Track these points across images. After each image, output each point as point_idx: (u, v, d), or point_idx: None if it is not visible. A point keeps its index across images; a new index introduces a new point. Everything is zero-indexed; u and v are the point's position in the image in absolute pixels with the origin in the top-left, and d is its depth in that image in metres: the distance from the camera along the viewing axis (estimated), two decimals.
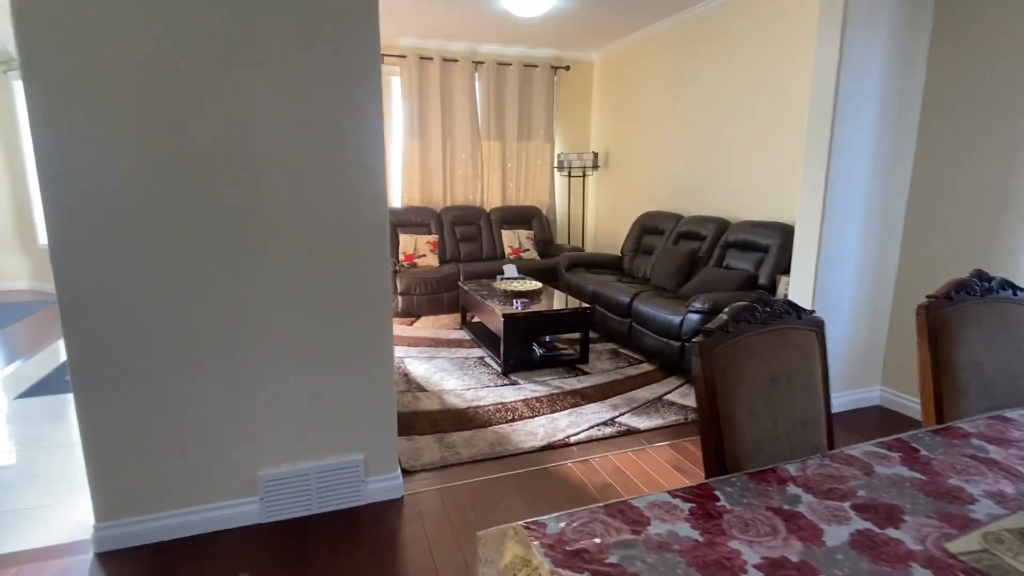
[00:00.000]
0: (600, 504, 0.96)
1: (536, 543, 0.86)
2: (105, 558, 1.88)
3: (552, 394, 3.32)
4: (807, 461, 1.10)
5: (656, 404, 3.18)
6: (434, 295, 5.14)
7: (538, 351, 3.90)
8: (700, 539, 0.88)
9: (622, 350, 4.15)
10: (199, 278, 1.86)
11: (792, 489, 1.01)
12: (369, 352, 2.12)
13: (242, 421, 1.99)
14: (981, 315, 1.49)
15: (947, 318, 1.45)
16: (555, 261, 5.46)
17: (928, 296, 1.47)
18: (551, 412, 3.07)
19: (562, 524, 0.91)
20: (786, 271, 3.40)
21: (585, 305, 3.84)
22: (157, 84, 1.72)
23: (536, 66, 5.97)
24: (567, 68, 6.14)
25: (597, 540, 0.87)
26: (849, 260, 2.88)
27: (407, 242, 5.39)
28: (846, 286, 2.91)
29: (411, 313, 5.10)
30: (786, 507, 0.96)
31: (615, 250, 5.70)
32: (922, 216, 2.88)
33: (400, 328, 4.71)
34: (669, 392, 3.35)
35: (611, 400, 3.24)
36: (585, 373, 3.67)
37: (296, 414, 2.05)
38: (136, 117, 1.72)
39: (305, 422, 2.07)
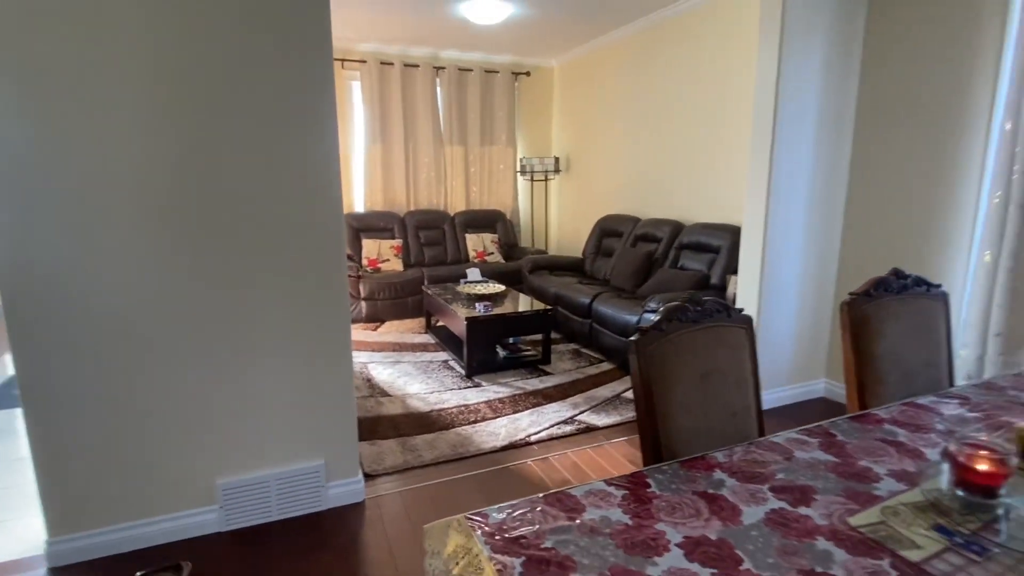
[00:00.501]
0: (540, 494, 1.03)
1: (478, 532, 0.92)
2: (59, 573, 1.85)
3: (514, 395, 3.38)
4: (734, 449, 1.19)
5: (615, 402, 3.28)
6: (398, 300, 5.14)
7: (501, 353, 3.96)
8: (630, 522, 0.95)
9: (583, 350, 4.24)
10: (151, 285, 1.85)
11: (718, 475, 1.10)
12: (328, 357, 2.13)
13: (199, 429, 1.98)
14: (898, 310, 1.61)
15: (867, 313, 1.57)
16: (519, 264, 5.54)
17: (850, 293, 1.59)
18: (513, 412, 3.13)
19: (503, 514, 0.97)
20: (736, 271, 3.55)
21: (547, 307, 3.91)
22: (109, 85, 1.71)
23: (497, 72, 6.05)
24: (528, 74, 6.24)
25: (535, 527, 0.93)
26: (792, 260, 3.04)
27: (370, 247, 5.38)
28: (790, 285, 3.07)
29: (375, 318, 5.09)
30: (711, 491, 1.04)
31: (577, 252, 5.81)
32: (859, 217, 3.05)
33: (364, 333, 4.70)
34: (627, 390, 3.45)
35: (572, 399, 3.33)
36: (547, 373, 3.75)
37: (254, 421, 2.06)
38: (86, 117, 1.70)
39: (264, 429, 2.08)
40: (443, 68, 5.82)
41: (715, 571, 0.83)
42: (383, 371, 3.80)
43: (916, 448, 1.21)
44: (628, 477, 1.09)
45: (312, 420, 2.15)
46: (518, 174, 6.38)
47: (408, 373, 3.76)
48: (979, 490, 0.99)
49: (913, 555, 0.87)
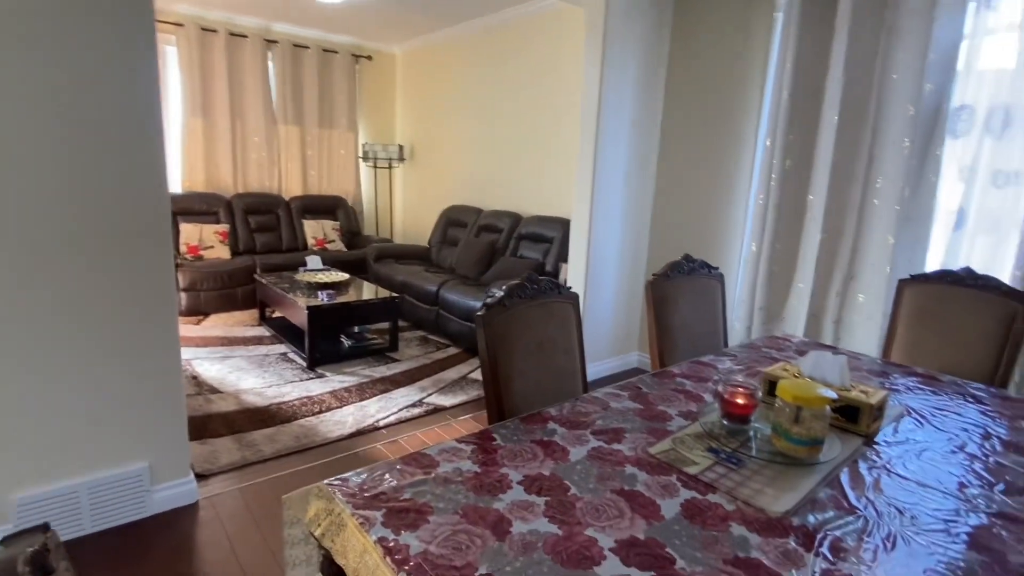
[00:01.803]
0: (397, 457, 1.11)
1: (338, 494, 0.98)
2: None
3: (361, 383, 3.36)
4: (564, 404, 1.39)
5: (461, 383, 3.44)
6: (225, 290, 4.73)
7: (346, 342, 3.89)
8: (479, 470, 1.08)
9: (430, 336, 4.34)
10: None
11: (551, 425, 1.28)
12: (151, 350, 1.94)
13: None
14: (687, 287, 1.98)
15: (666, 291, 1.91)
16: (363, 252, 5.43)
17: (653, 274, 1.91)
18: (360, 400, 3.12)
19: (363, 476, 1.04)
20: (567, 259, 3.92)
21: (394, 295, 3.93)
22: None
23: (336, 52, 5.82)
24: (369, 58, 6.09)
25: (394, 483, 1.02)
26: (612, 250, 3.47)
27: (190, 232, 4.85)
28: (610, 271, 3.50)
29: (198, 311, 4.62)
30: (545, 438, 1.22)
31: (423, 241, 5.87)
32: (663, 213, 3.59)
33: (186, 328, 4.25)
34: (472, 371, 3.63)
35: (420, 383, 3.41)
36: (395, 360, 3.78)
37: (60, 424, 1.80)
38: None
39: (72, 432, 1.83)
40: (276, 42, 5.43)
41: (548, 498, 1.00)
42: (211, 367, 3.50)
43: (698, 394, 1.53)
44: (476, 435, 1.22)
45: (133, 419, 1.94)
46: (360, 160, 6.22)
47: (241, 368, 3.51)
48: (737, 419, 1.30)
49: (692, 469, 1.13)
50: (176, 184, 5.22)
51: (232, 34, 5.17)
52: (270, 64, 5.46)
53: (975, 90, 2.38)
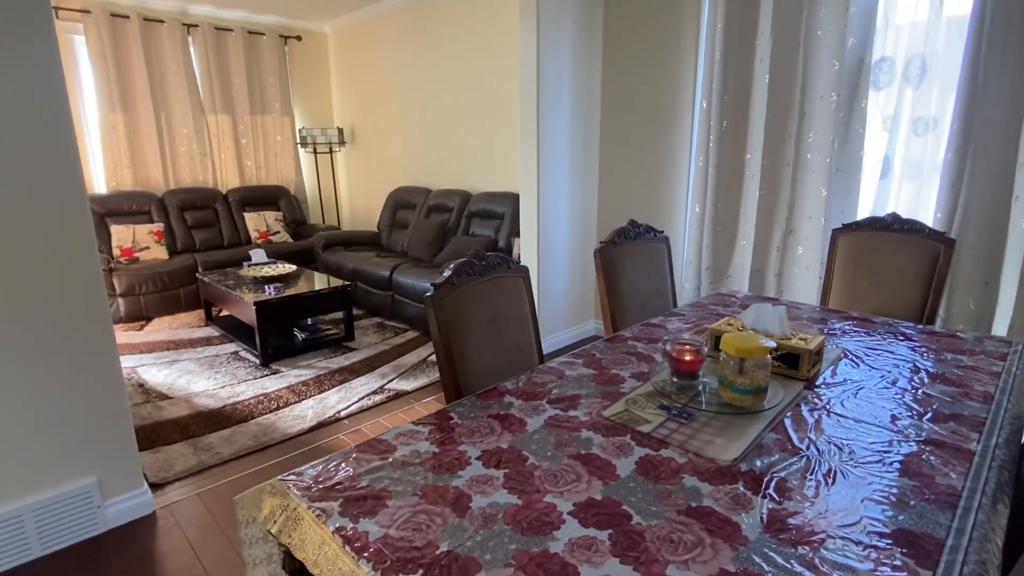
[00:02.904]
0: (354, 445, 1.09)
1: (293, 489, 0.96)
2: None
3: (319, 375, 3.29)
4: (520, 377, 1.40)
5: (421, 366, 3.42)
6: (167, 292, 4.51)
7: (300, 335, 3.79)
8: (436, 450, 1.07)
9: (387, 322, 4.28)
10: None
11: (508, 399, 1.29)
12: (88, 360, 1.84)
13: None
14: (634, 252, 2.01)
15: (614, 257, 1.93)
16: (310, 242, 5.28)
17: (601, 241, 1.93)
18: (319, 393, 3.06)
19: (318, 468, 1.02)
20: (519, 234, 3.92)
21: (346, 283, 3.84)
22: None
23: (263, 34, 5.53)
24: (298, 38, 5.83)
25: (350, 472, 1.00)
26: (562, 221, 3.48)
27: (122, 234, 4.59)
28: (562, 242, 3.51)
29: (139, 316, 4.40)
30: (502, 412, 1.22)
31: (372, 226, 5.74)
32: (609, 181, 3.62)
33: (127, 334, 4.05)
34: (432, 353, 3.61)
35: (380, 370, 3.37)
36: (352, 349, 3.71)
37: None
38: None
39: (6, 453, 1.72)
40: (196, 26, 5.12)
41: (507, 470, 1.00)
42: (158, 373, 3.35)
43: (649, 355, 1.56)
44: (433, 415, 1.22)
45: (74, 434, 1.84)
46: (299, 146, 5.99)
47: (191, 371, 3.38)
48: (686, 375, 1.34)
49: (645, 428, 1.16)
50: (100, 184, 4.91)
51: (146, 19, 4.83)
52: (192, 50, 5.15)
53: (893, 43, 2.48)
